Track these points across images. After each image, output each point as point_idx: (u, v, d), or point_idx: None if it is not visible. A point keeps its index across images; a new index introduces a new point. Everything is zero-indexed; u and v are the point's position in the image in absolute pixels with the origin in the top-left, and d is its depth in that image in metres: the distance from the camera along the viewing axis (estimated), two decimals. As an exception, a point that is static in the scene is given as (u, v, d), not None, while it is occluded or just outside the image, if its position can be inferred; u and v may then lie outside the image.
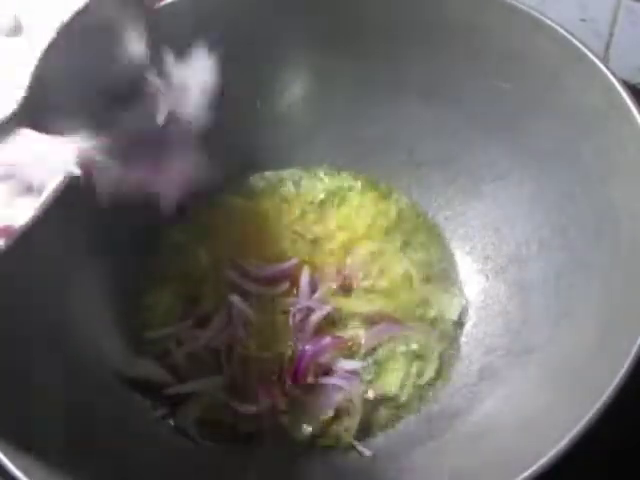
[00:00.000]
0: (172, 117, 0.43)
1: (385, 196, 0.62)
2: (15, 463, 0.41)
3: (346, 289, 0.58)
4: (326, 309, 0.55)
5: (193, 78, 0.44)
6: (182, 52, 0.60)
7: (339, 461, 0.51)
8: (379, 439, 0.52)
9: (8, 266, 0.48)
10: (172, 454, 0.52)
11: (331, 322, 0.56)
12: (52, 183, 0.39)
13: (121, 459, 0.47)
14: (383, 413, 0.53)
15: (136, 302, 0.58)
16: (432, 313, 0.57)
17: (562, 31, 0.52)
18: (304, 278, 0.57)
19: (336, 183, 0.63)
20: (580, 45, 0.51)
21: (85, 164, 0.39)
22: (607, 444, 0.48)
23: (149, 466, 0.49)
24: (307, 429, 0.52)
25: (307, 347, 0.54)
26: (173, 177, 0.46)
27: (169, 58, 0.44)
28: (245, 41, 0.61)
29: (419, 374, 0.54)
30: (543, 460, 0.38)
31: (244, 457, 0.52)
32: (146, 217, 0.59)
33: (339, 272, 0.58)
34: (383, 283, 0.58)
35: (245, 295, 0.57)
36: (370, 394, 0.53)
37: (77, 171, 0.39)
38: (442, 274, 0.59)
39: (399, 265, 0.58)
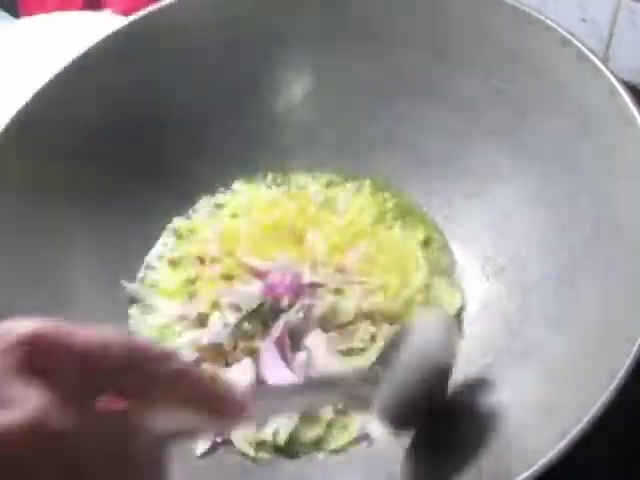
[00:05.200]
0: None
1: (384, 195, 0.62)
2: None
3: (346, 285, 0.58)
4: (327, 303, 0.56)
5: None
6: (181, 54, 0.61)
7: (339, 461, 0.51)
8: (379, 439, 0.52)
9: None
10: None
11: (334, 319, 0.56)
12: None
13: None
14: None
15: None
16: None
17: (562, 31, 0.52)
18: (305, 275, 0.57)
19: (336, 182, 0.64)
20: (580, 45, 0.51)
21: None
22: (607, 444, 0.48)
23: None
24: (311, 430, 0.52)
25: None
26: None
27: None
28: (245, 41, 0.62)
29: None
30: (543, 460, 0.38)
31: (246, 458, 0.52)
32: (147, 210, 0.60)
33: (339, 269, 0.58)
34: (384, 280, 0.58)
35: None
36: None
37: None
38: (442, 272, 0.59)
39: (401, 261, 0.59)
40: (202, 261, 0.60)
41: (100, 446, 0.26)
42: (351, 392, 0.43)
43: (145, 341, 0.29)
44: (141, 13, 0.60)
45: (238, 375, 0.53)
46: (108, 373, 0.27)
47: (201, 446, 0.52)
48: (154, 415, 0.28)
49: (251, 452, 0.51)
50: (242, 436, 0.52)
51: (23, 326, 0.26)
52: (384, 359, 0.45)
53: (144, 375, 0.28)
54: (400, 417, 0.44)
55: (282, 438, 0.51)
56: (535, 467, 0.38)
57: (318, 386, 0.43)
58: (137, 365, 0.27)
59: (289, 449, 0.52)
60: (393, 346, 0.46)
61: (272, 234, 0.61)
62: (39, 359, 0.25)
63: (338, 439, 0.52)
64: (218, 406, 0.30)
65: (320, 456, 0.51)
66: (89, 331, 0.27)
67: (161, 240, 0.62)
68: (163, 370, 0.28)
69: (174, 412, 0.29)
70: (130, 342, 0.27)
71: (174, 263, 0.61)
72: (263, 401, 0.35)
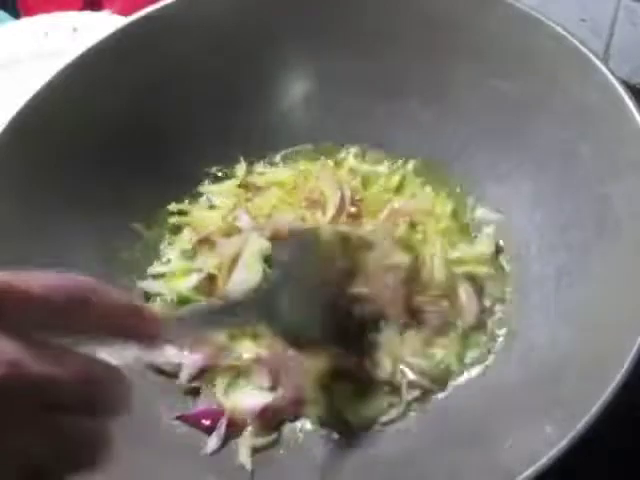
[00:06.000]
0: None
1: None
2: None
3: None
4: None
5: None
6: (181, 54, 0.61)
7: (340, 458, 0.51)
8: (379, 439, 0.52)
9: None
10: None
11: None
12: None
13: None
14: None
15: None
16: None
17: (562, 31, 0.52)
18: None
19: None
20: (580, 45, 0.51)
21: None
22: (607, 444, 0.48)
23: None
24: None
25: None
26: None
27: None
28: (245, 42, 0.62)
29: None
30: (543, 460, 0.38)
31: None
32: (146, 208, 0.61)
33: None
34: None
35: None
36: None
37: None
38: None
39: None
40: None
41: (67, 376, 0.28)
42: (256, 311, 0.46)
43: (81, 278, 0.31)
44: (141, 13, 0.60)
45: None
46: (56, 312, 0.29)
47: (210, 444, 0.52)
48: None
49: (249, 465, 0.51)
50: (245, 448, 0.52)
51: None
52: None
53: (86, 308, 0.30)
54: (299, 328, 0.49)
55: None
56: (535, 467, 0.38)
57: (230, 307, 0.45)
58: (79, 300, 0.30)
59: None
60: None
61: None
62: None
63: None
64: (140, 329, 0.32)
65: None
66: (33, 277, 0.29)
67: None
68: (99, 301, 0.30)
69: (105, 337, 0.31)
70: (68, 281, 0.30)
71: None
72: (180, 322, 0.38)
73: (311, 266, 0.51)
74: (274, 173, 0.64)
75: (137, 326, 0.32)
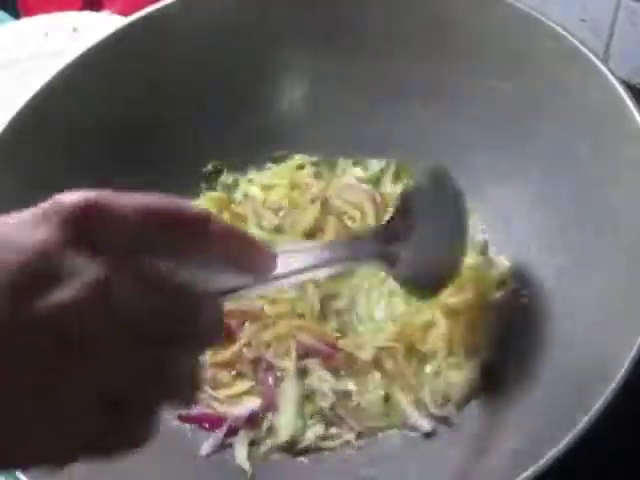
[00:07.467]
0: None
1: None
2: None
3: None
4: None
5: None
6: (180, 53, 0.61)
7: (341, 463, 0.51)
8: (379, 442, 0.52)
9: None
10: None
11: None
12: None
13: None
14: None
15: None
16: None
17: (562, 31, 0.52)
18: None
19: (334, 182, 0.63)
20: (580, 45, 0.51)
21: None
22: (607, 444, 0.48)
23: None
24: (311, 431, 0.52)
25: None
26: None
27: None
28: (245, 42, 0.62)
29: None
30: (543, 460, 0.38)
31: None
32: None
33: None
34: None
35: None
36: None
37: None
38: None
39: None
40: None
41: (158, 307, 0.27)
42: (376, 250, 0.43)
43: (185, 202, 0.30)
44: (141, 13, 0.60)
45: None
46: (155, 235, 0.28)
47: (206, 447, 0.52)
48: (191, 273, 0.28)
49: (247, 466, 0.51)
50: (242, 452, 0.51)
51: (72, 198, 0.27)
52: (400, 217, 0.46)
53: (187, 235, 0.29)
54: (423, 273, 0.46)
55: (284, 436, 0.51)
56: (535, 467, 0.38)
57: (344, 245, 0.42)
58: (180, 225, 0.28)
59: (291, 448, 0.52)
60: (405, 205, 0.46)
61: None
62: (90, 231, 0.26)
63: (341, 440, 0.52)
64: (250, 259, 0.31)
65: (321, 457, 0.51)
66: (133, 197, 0.28)
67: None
68: (203, 229, 0.29)
69: (209, 269, 0.29)
70: (171, 204, 0.29)
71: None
72: (289, 256, 0.35)
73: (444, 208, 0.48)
74: (270, 176, 0.64)
75: (249, 258, 0.31)
